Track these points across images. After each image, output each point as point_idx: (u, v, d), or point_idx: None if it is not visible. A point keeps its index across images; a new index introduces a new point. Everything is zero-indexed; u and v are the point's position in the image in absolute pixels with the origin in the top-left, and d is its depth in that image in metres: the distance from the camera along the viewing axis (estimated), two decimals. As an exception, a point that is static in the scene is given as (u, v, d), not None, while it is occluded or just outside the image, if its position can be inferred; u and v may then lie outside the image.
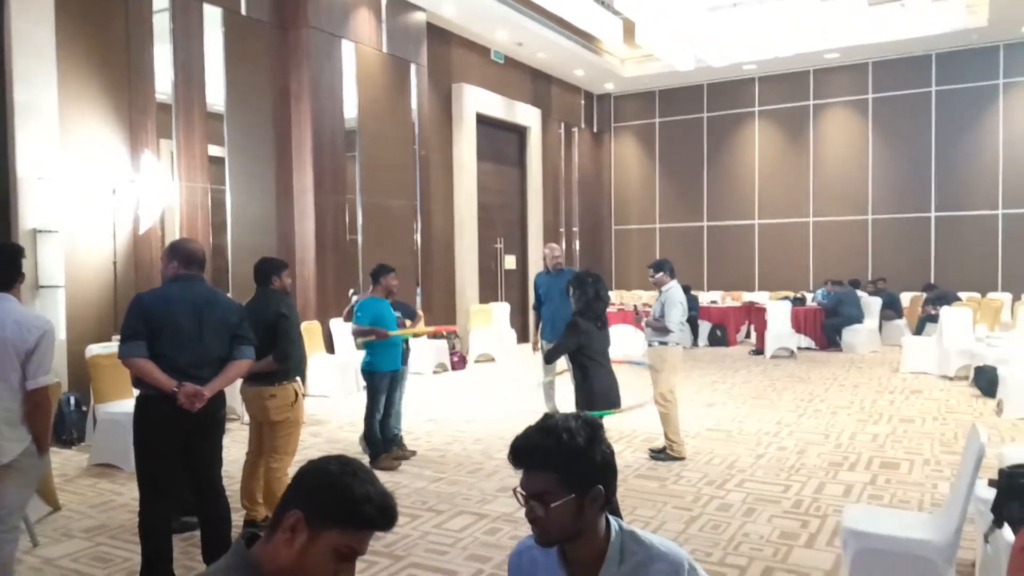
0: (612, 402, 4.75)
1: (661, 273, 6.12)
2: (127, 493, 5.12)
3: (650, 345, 6.06)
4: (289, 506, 1.43)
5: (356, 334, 5.80)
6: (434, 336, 10.01)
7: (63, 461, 5.92)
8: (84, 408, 6.51)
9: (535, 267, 14.09)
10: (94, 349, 6.14)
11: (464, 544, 4.19)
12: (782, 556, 3.98)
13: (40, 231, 6.37)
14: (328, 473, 1.45)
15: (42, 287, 6.37)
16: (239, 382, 4.59)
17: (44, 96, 6.49)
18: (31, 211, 6.36)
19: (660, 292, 6.09)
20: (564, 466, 1.56)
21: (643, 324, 6.20)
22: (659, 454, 5.83)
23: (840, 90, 14.82)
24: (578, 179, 15.98)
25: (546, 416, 1.63)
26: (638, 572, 1.64)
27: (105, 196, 7.06)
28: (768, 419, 7.25)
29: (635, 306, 7.71)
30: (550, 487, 1.57)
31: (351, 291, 10.00)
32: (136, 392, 3.50)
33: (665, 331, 5.88)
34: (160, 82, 7.65)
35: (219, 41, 8.39)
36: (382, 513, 1.44)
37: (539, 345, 6.93)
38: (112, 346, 6.44)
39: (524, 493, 1.59)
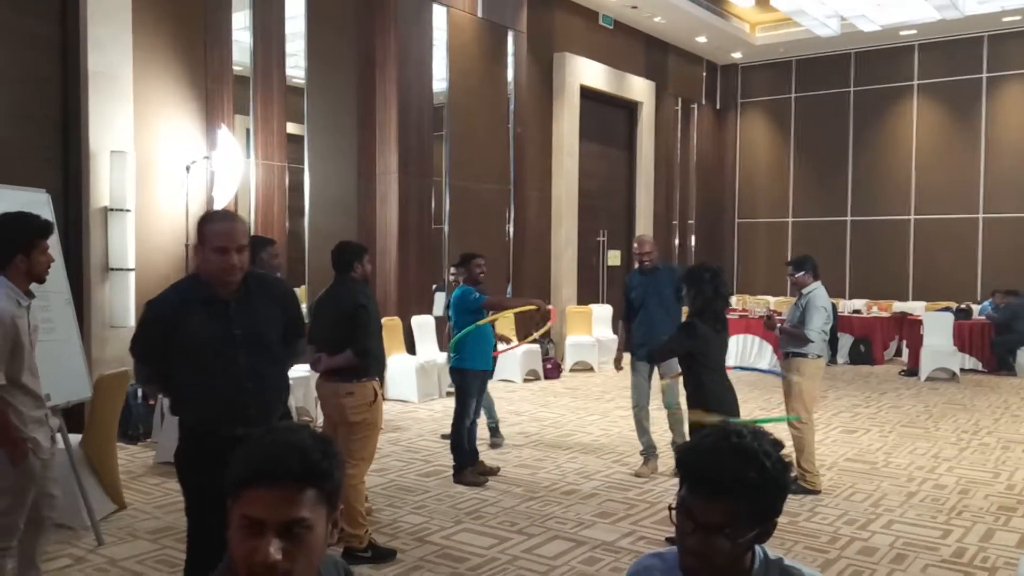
0: (729, 412, 4.67)
1: (803, 272, 5.90)
2: (193, 495, 5.39)
3: (785, 356, 5.89)
4: None
5: (498, 307, 5.85)
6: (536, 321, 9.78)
7: (129, 457, 6.29)
8: (151, 402, 6.89)
9: (643, 264, 13.94)
10: (163, 338, 6.49)
11: (559, 573, 4.20)
12: (940, 612, 3.80)
13: (112, 209, 6.78)
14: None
15: (112, 270, 6.78)
16: (315, 377, 4.76)
17: (119, 65, 6.91)
18: (102, 187, 6.78)
19: (800, 294, 5.90)
20: (759, 498, 1.54)
21: (776, 331, 6.01)
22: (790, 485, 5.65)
23: (1021, 60, 13.97)
24: (696, 164, 15.72)
25: (730, 432, 1.58)
26: None
27: (179, 173, 7.46)
28: (922, 451, 6.93)
29: (768, 312, 7.39)
30: (737, 520, 1.53)
31: (435, 287, 10.20)
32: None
33: (804, 340, 5.70)
34: (237, 52, 8.01)
35: (301, 5, 8.71)
36: (251, 462, 1.33)
37: (623, 361, 6.47)
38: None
39: (701, 522, 1.53)
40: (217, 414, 2.96)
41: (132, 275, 6.88)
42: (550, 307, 5.90)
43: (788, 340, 5.82)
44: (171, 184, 7.46)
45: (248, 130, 8.23)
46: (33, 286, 3.33)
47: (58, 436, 3.72)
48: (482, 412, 6.52)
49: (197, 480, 2.99)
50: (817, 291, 5.83)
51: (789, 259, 6.19)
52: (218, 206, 7.66)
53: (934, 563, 4.39)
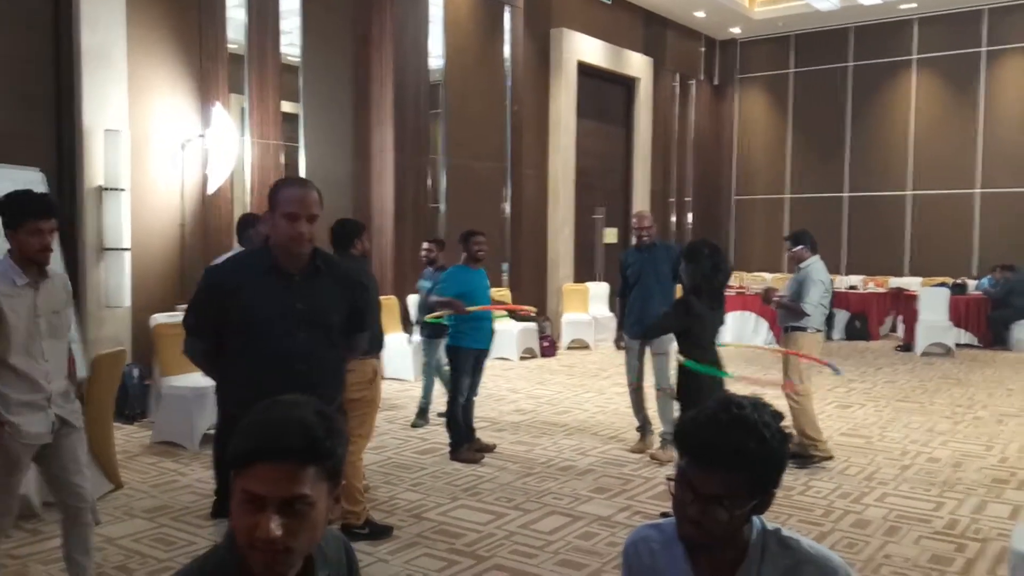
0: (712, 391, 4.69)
1: (800, 247, 5.90)
2: (191, 474, 5.42)
3: (784, 331, 5.89)
4: None
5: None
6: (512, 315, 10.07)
7: (125, 437, 6.30)
8: (147, 382, 6.90)
9: (640, 242, 13.92)
10: (159, 318, 6.50)
11: (555, 548, 4.22)
12: (931, 584, 3.83)
13: (107, 188, 6.75)
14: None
15: (107, 250, 6.76)
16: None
17: (112, 42, 6.85)
18: (97, 166, 6.74)
19: (798, 268, 5.89)
20: (758, 469, 1.54)
21: (773, 306, 6.01)
22: (804, 461, 5.61)
23: (1020, 34, 13.87)
24: (694, 140, 15.65)
25: (731, 403, 1.58)
26: None
27: (174, 151, 7.42)
28: (917, 425, 6.96)
29: (766, 286, 7.37)
30: (736, 490, 1.54)
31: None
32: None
33: (800, 314, 5.70)
34: (231, 30, 7.94)
35: (295, -18, 8.64)
36: (253, 438, 1.31)
37: (624, 340, 6.30)
38: (178, 316, 6.79)
39: (700, 492, 1.54)
40: (264, 396, 2.70)
41: (128, 255, 6.86)
42: (469, 308, 5.81)
43: (786, 314, 5.83)
44: (166, 163, 7.42)
45: (243, 108, 8.18)
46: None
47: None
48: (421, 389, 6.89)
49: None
50: (814, 264, 5.83)
51: (786, 234, 6.17)
52: (213, 186, 7.63)
53: (927, 535, 4.42)
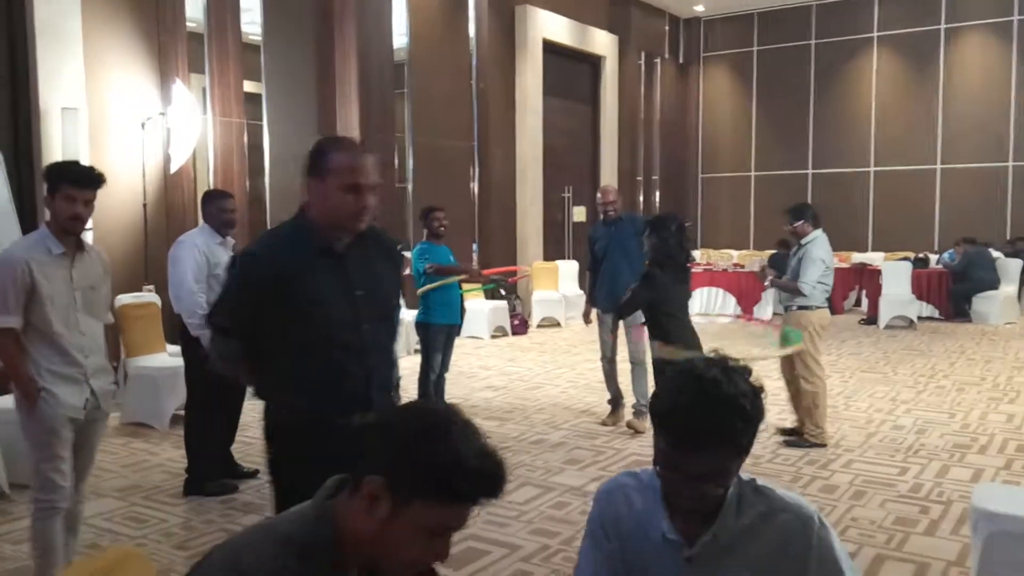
0: (692, 348, 4.77)
1: (801, 222, 5.62)
2: (161, 454, 5.38)
3: (786, 309, 5.79)
4: (370, 466, 1.33)
5: (439, 272, 5.83)
6: (498, 282, 9.99)
7: (92, 419, 6.23)
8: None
9: (608, 220, 13.98)
10: (124, 299, 6.40)
11: (529, 517, 4.27)
12: (897, 543, 3.94)
13: (65, 168, 6.61)
14: (418, 430, 1.34)
15: (68, 230, 6.64)
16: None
17: (67, 15, 6.69)
18: (54, 145, 6.60)
19: (799, 245, 5.65)
20: (743, 439, 1.54)
21: (767, 284, 6.01)
22: (793, 438, 5.58)
23: (978, 11, 14.12)
24: (660, 118, 15.72)
25: (704, 381, 1.54)
26: (759, 525, 1.64)
27: (134, 130, 7.29)
28: (881, 395, 7.12)
29: (761, 264, 7.48)
30: (725, 465, 1.56)
31: (399, 246, 10.13)
32: None
33: (796, 293, 5.51)
34: (190, 7, 7.79)
35: (255, -44, 8.50)
36: (485, 482, 1.33)
37: (591, 315, 6.42)
38: (144, 296, 6.71)
39: (691, 474, 1.54)
40: (337, 398, 2.34)
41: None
42: (484, 270, 5.79)
43: (785, 294, 5.74)
44: (126, 141, 7.29)
45: (204, 89, 8.05)
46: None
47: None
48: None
49: (292, 479, 2.27)
50: (816, 241, 5.59)
51: (786, 208, 5.83)
52: (175, 165, 7.52)
53: (891, 498, 4.54)
